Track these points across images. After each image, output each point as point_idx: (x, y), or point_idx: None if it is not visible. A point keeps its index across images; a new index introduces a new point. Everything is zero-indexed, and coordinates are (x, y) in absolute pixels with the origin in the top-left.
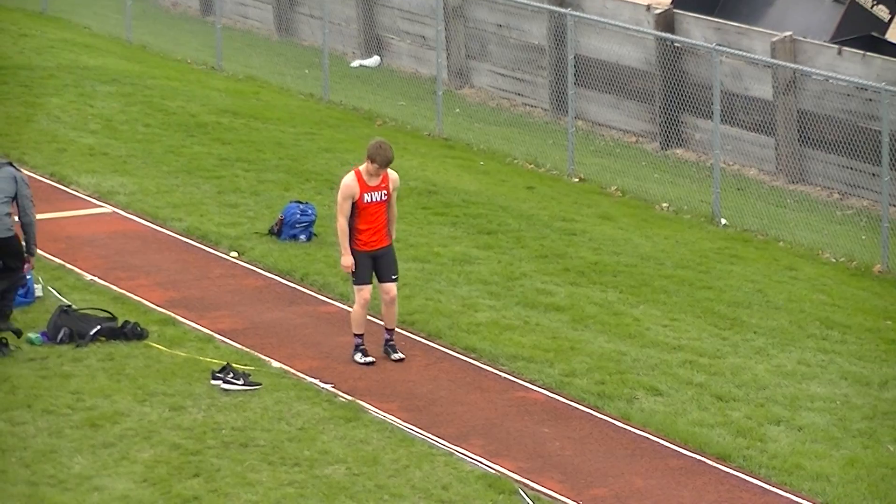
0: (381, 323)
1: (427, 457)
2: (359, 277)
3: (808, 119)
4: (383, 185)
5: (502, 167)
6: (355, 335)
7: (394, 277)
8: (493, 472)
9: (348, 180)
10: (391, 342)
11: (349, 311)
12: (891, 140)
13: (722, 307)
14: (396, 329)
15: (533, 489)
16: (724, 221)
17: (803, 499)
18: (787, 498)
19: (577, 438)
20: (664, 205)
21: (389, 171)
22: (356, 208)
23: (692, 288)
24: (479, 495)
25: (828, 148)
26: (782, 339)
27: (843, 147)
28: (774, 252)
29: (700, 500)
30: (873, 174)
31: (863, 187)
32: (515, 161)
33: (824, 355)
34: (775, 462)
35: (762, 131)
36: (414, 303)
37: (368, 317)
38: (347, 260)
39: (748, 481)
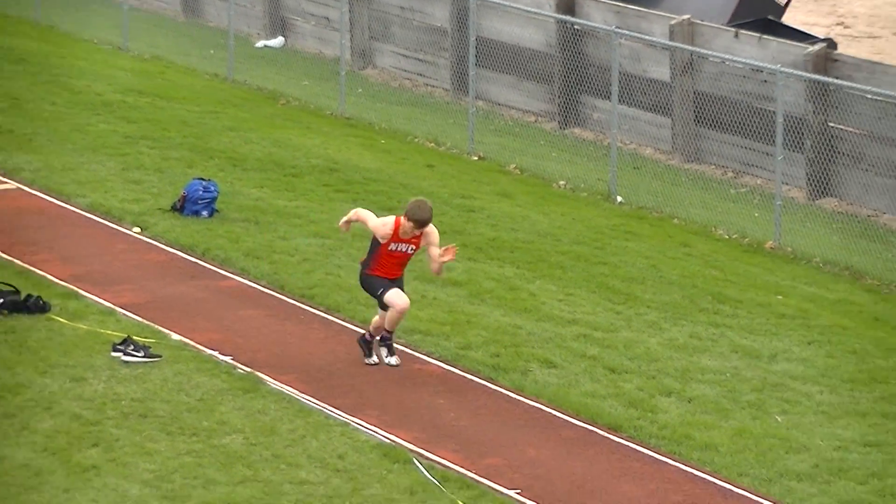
0: (362, 330)
1: (323, 427)
2: (384, 287)
3: (705, 100)
4: (415, 241)
5: (403, 146)
6: (386, 331)
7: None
8: (388, 441)
9: (388, 220)
10: (389, 341)
11: (250, 286)
12: (784, 121)
13: (616, 282)
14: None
15: (428, 459)
16: (620, 199)
17: (692, 468)
18: (677, 467)
19: (472, 409)
20: (562, 183)
21: (430, 228)
22: (378, 248)
23: (588, 263)
24: (374, 464)
25: (723, 128)
26: (675, 314)
27: (738, 127)
28: (669, 229)
29: (591, 469)
30: (767, 153)
31: (756, 166)
32: (416, 140)
33: (715, 329)
34: (665, 432)
35: (659, 112)
36: (314, 277)
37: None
38: (345, 227)
39: (639, 451)
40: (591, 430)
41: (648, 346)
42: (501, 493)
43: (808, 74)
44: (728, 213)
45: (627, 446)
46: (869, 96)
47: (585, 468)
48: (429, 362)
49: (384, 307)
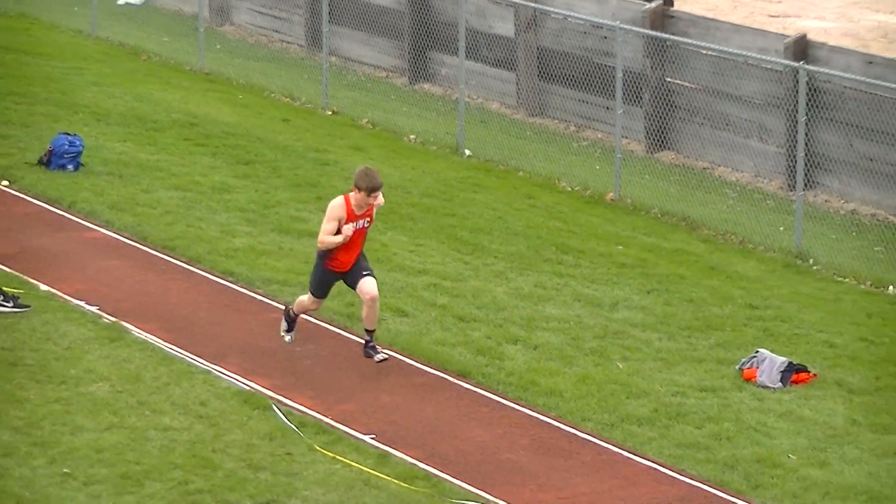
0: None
1: (186, 375)
2: (316, 292)
3: (548, 55)
4: (367, 213)
5: (260, 100)
6: (293, 313)
7: (365, 273)
8: (248, 388)
9: (336, 204)
10: (371, 343)
11: (114, 237)
12: (624, 76)
13: (465, 233)
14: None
15: (286, 405)
16: (467, 152)
17: (538, 413)
18: (523, 412)
19: (328, 357)
20: (412, 136)
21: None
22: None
23: (437, 215)
24: (234, 410)
25: (565, 83)
26: (520, 264)
27: (579, 82)
28: (514, 181)
29: (442, 414)
30: (607, 108)
31: (598, 120)
32: (272, 95)
33: (559, 279)
34: (512, 379)
35: (504, 67)
36: (175, 229)
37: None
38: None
39: (486, 396)
40: (442, 377)
41: (495, 295)
42: (356, 437)
43: (646, 31)
44: (571, 166)
45: (476, 392)
46: (704, 52)
47: (436, 413)
48: None
49: (316, 297)
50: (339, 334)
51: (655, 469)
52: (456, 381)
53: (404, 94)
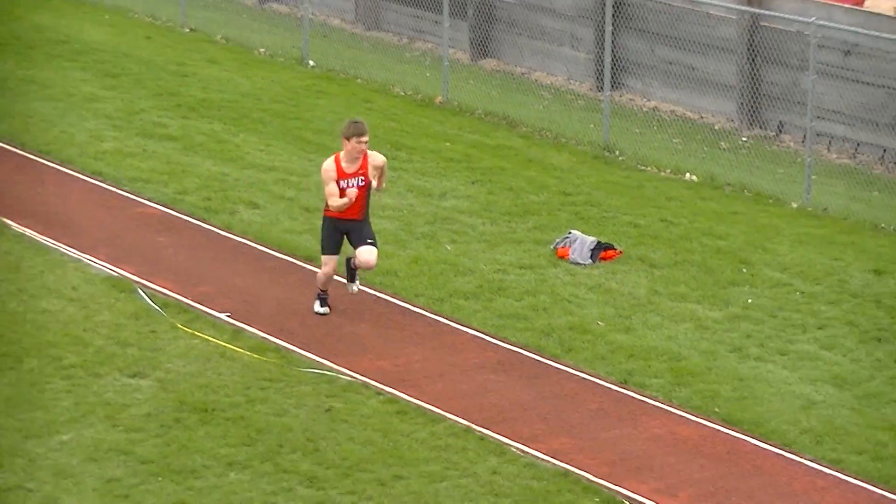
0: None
1: (59, 264)
2: (325, 248)
3: None
4: (361, 171)
5: (125, 20)
6: (320, 290)
7: (369, 241)
8: (115, 274)
9: (327, 165)
10: (355, 274)
11: None
12: None
13: (309, 134)
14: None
15: (150, 288)
16: (311, 63)
17: (375, 290)
18: (361, 290)
19: (188, 246)
20: (262, 50)
21: (371, 154)
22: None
23: (284, 119)
24: (103, 294)
25: (398, 0)
26: None
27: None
28: (354, 88)
29: (291, 294)
30: (436, 21)
31: (427, 33)
32: (136, 15)
33: (394, 172)
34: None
35: None
36: (49, 135)
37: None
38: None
39: (333, 279)
40: (290, 261)
41: None
42: (213, 315)
43: None
44: (403, 74)
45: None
46: None
47: (286, 294)
48: (150, 206)
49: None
50: (198, 226)
51: (480, 337)
52: (304, 265)
53: (255, 13)
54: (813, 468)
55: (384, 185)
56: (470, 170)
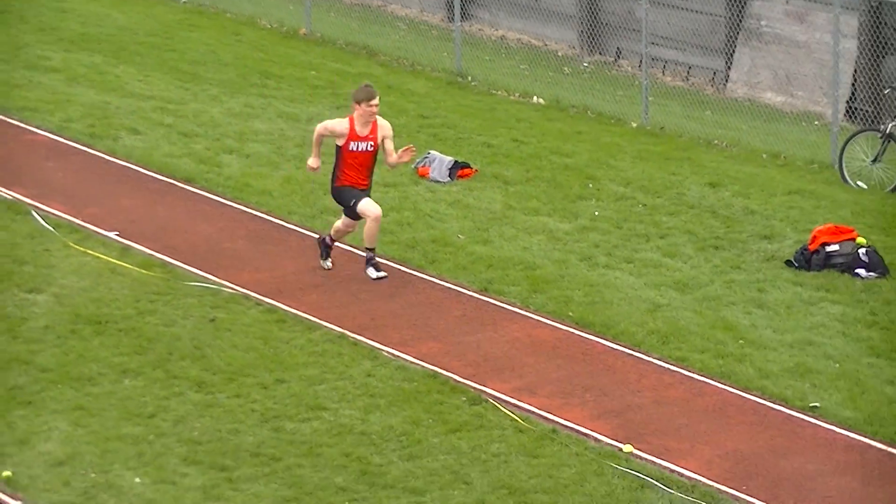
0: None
1: None
2: (356, 198)
3: None
4: (371, 136)
5: None
6: (368, 249)
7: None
8: (10, 198)
9: (341, 121)
10: (372, 260)
11: None
12: None
13: (184, 65)
14: None
15: (43, 210)
16: None
17: (252, 209)
18: (240, 209)
19: (75, 170)
20: None
21: (380, 120)
22: (341, 152)
23: (160, 51)
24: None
25: None
26: (231, 89)
27: None
28: (223, 21)
29: (172, 213)
30: None
31: None
32: None
33: (264, 99)
34: (230, 182)
35: None
36: None
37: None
38: (314, 162)
39: (209, 198)
40: (171, 183)
41: (212, 115)
42: (102, 234)
43: None
44: (269, 7)
45: (200, 194)
46: None
47: (168, 213)
48: (38, 133)
49: (351, 216)
50: (84, 151)
51: (350, 251)
52: (183, 186)
53: None
54: (660, 366)
55: (397, 156)
56: (334, 96)
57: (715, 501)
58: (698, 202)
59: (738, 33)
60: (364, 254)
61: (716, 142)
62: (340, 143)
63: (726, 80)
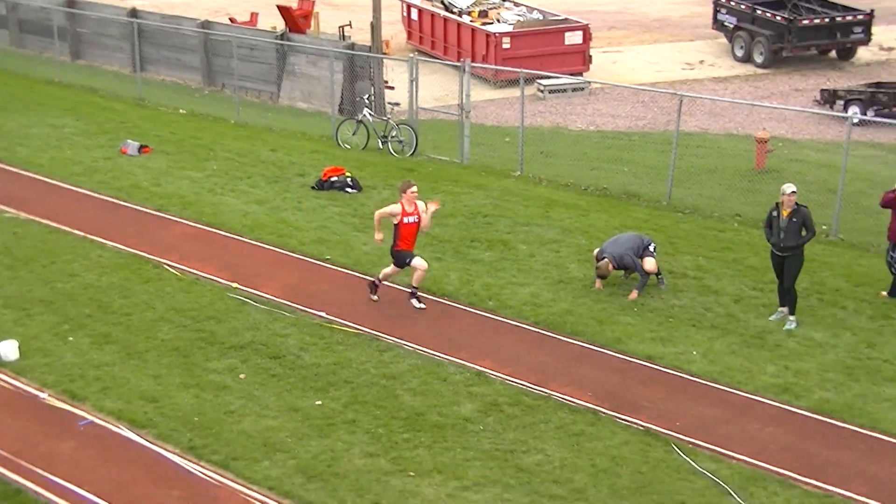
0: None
1: None
2: (399, 263)
3: None
4: (415, 213)
5: None
6: (414, 287)
7: (416, 254)
8: None
9: (395, 205)
10: (416, 294)
11: None
12: None
13: None
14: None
15: None
16: None
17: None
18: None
19: None
20: None
21: (419, 202)
22: (399, 228)
23: None
24: None
25: None
26: None
27: None
28: None
29: None
30: None
31: None
32: None
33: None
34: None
35: None
36: None
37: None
38: (378, 236)
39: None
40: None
41: None
42: None
43: None
44: None
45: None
46: None
47: None
48: None
49: (399, 265)
50: None
51: (91, 195)
52: None
53: None
54: (256, 245)
55: (428, 218)
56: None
57: None
58: (266, 159)
59: (283, 72)
60: (408, 289)
61: (274, 129)
62: (395, 221)
63: (278, 97)
